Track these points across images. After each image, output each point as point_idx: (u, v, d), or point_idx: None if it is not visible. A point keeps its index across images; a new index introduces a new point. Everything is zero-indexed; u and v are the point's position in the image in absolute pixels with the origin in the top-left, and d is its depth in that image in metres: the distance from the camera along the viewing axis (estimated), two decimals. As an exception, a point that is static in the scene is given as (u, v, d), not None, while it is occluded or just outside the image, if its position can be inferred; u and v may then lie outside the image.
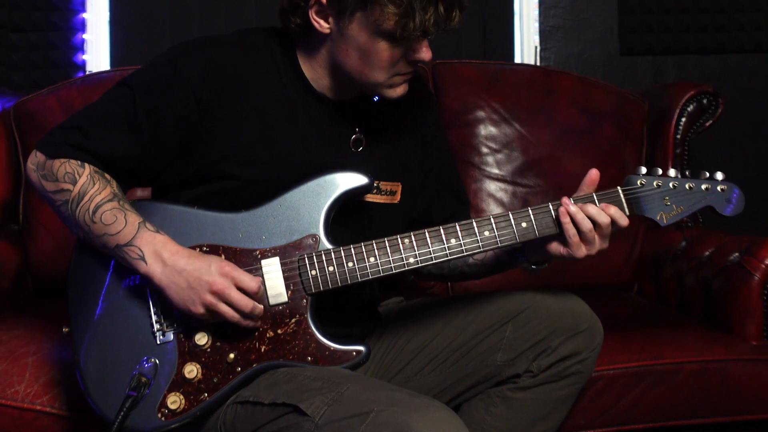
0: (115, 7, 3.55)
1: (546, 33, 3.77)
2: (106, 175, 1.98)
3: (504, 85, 3.26)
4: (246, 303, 1.86)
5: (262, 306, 1.90)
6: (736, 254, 2.66)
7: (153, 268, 1.88)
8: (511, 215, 1.98)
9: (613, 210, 1.94)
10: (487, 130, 3.20)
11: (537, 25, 3.75)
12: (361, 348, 1.95)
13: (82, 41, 3.54)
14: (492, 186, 3.16)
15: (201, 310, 1.86)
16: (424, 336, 2.14)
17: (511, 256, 2.13)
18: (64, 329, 2.00)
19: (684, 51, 3.80)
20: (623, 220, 1.95)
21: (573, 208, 1.92)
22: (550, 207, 1.97)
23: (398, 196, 2.14)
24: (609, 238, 1.97)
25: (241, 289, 1.86)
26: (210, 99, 1.98)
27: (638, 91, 3.42)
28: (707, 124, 3.22)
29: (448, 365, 2.10)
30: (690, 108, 3.19)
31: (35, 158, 2.02)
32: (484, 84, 3.25)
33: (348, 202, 2.02)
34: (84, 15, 3.53)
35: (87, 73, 3.52)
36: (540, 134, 3.20)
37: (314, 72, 2.06)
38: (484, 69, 3.32)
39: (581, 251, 1.95)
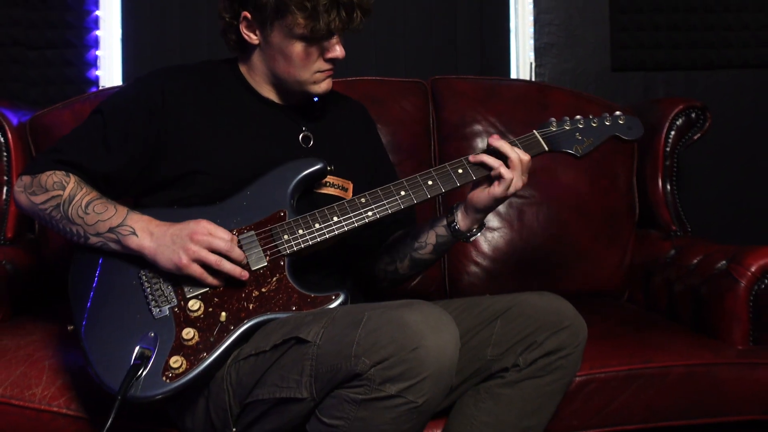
0: (127, 26, 3.58)
1: (540, 50, 3.79)
2: (90, 185, 2.15)
3: (500, 100, 3.28)
4: (225, 245, 2.01)
5: (240, 251, 2.05)
6: (723, 262, 2.67)
7: (143, 239, 2.04)
8: (448, 166, 2.20)
9: (519, 150, 2.16)
10: (483, 143, 3.20)
11: (532, 42, 3.77)
12: (339, 291, 2.07)
13: (96, 58, 3.56)
14: (489, 197, 3.17)
15: (186, 259, 2.00)
16: None
17: (450, 233, 2.27)
18: (69, 327, 2.07)
19: (673, 67, 3.81)
20: (525, 156, 2.16)
21: (497, 143, 2.16)
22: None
23: (350, 193, 2.32)
24: (526, 174, 2.18)
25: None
26: (170, 113, 2.21)
27: (629, 106, 3.41)
28: (696, 137, 3.23)
29: None
30: (679, 122, 3.21)
31: (21, 182, 2.20)
32: (481, 98, 3.27)
33: (308, 185, 2.23)
34: (97, 33, 3.55)
35: (100, 88, 3.53)
36: (535, 147, 3.20)
37: (254, 81, 2.32)
38: (481, 84, 3.34)
39: (509, 174, 2.13)
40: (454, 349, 1.82)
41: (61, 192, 2.11)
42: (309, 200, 2.22)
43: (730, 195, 3.86)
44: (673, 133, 3.21)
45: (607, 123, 2.30)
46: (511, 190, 2.14)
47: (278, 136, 2.29)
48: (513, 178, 2.13)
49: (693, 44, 3.81)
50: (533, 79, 3.76)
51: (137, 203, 2.27)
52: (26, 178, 2.18)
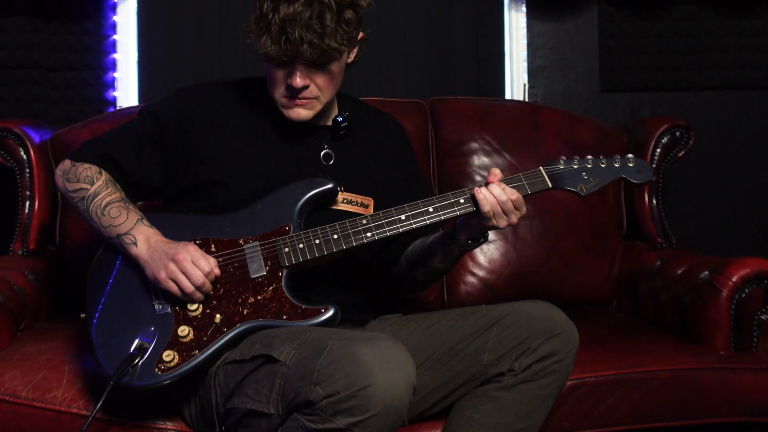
0: (143, 49, 3.60)
1: (533, 72, 3.80)
2: (118, 185, 2.27)
3: (495, 119, 3.29)
4: (198, 276, 2.05)
5: (210, 285, 2.07)
6: (706, 272, 2.69)
7: (141, 249, 2.12)
8: (450, 195, 2.16)
9: (510, 191, 2.11)
10: (480, 159, 3.23)
11: (525, 64, 3.78)
12: (328, 305, 2.07)
13: (113, 79, 3.57)
14: (485, 210, 3.17)
15: (163, 275, 2.06)
16: (418, 340, 2.21)
17: (450, 240, 2.24)
18: (81, 315, 2.18)
19: (659, 88, 3.83)
20: (513, 195, 2.11)
21: (484, 190, 2.11)
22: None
23: (371, 210, 2.29)
24: (515, 213, 2.13)
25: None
26: (204, 127, 2.25)
27: (617, 125, 3.43)
28: (680, 154, 3.25)
29: (440, 365, 2.15)
30: (664, 140, 3.22)
31: (63, 166, 2.33)
32: (477, 118, 3.28)
33: (319, 203, 2.23)
34: (115, 56, 3.57)
35: (117, 108, 3.54)
36: (528, 164, 3.17)
37: None
38: (477, 104, 3.34)
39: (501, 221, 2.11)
40: (404, 388, 1.79)
41: (89, 186, 2.22)
42: (326, 216, 2.22)
43: (713, 209, 3.87)
44: (658, 150, 3.22)
45: (616, 165, 2.20)
46: (500, 225, 2.12)
47: (300, 153, 2.29)
48: (493, 221, 2.11)
49: (677, 67, 3.82)
50: (527, 99, 3.76)
51: (167, 209, 2.36)
52: (67, 163, 2.31)
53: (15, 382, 2.27)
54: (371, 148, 2.40)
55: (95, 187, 2.22)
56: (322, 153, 2.30)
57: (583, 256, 3.17)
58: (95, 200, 2.20)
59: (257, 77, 2.37)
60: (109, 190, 2.22)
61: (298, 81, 2.11)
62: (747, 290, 2.57)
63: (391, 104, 3.27)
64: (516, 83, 3.79)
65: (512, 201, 2.10)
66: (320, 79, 2.14)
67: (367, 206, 2.30)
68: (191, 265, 2.04)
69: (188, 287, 2.05)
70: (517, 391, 2.12)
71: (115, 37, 3.57)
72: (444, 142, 3.26)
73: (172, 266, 2.04)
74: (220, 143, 2.24)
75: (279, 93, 2.17)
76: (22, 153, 3.00)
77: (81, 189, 2.23)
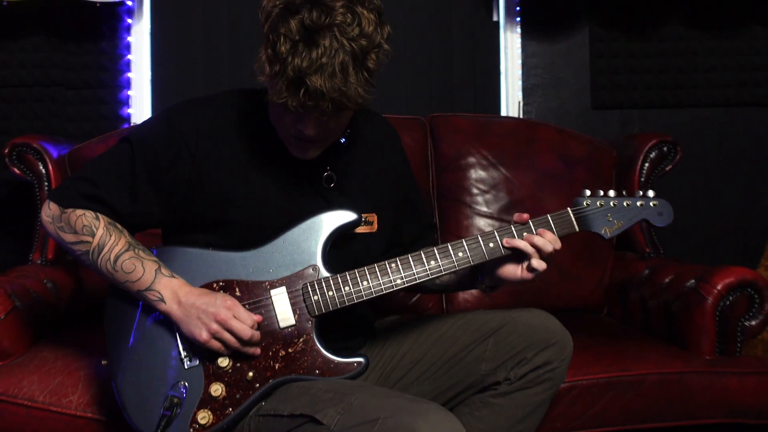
0: (156, 68, 3.62)
1: (528, 90, 3.81)
2: (118, 226, 2.02)
3: (492, 135, 3.30)
4: (245, 331, 1.91)
5: (259, 333, 1.94)
6: (693, 281, 2.69)
7: (171, 306, 1.94)
8: (480, 238, 2.04)
9: (550, 236, 2.03)
10: (477, 173, 3.24)
11: (520, 83, 3.79)
12: (361, 359, 2.00)
13: (127, 97, 3.59)
14: (481, 222, 3.19)
15: (206, 336, 1.91)
16: (419, 350, 2.16)
17: (471, 280, 2.18)
18: (103, 362, 2.05)
19: (647, 105, 3.83)
20: (557, 244, 2.03)
21: (531, 238, 2.02)
22: (513, 230, 2.05)
23: (375, 225, 2.17)
24: (549, 260, 2.04)
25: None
26: (202, 153, 2.01)
27: (608, 141, 3.45)
28: (667, 168, 3.25)
29: (440, 374, 2.12)
30: (652, 155, 3.23)
31: (49, 210, 2.05)
32: (474, 134, 3.29)
33: (340, 235, 2.05)
34: (129, 74, 3.59)
35: (131, 124, 3.56)
36: (523, 177, 3.23)
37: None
38: (474, 121, 3.36)
39: (542, 266, 2.02)
40: None
41: (90, 239, 1.98)
42: (336, 239, 2.06)
43: (699, 220, 3.87)
44: (647, 164, 3.23)
45: (639, 204, 2.10)
46: (541, 273, 2.04)
47: (304, 178, 2.08)
48: (545, 267, 2.02)
49: (665, 85, 3.83)
50: (521, 116, 3.77)
51: (166, 240, 2.14)
52: (54, 208, 2.03)
53: (33, 387, 2.28)
54: (369, 160, 2.20)
55: (98, 239, 1.97)
56: (325, 175, 2.10)
57: (575, 266, 3.17)
58: (102, 254, 1.97)
59: (244, 90, 2.14)
60: (113, 238, 1.98)
61: (311, 131, 1.89)
62: (731, 298, 2.58)
63: (392, 121, 3.24)
64: (511, 101, 3.80)
65: (551, 243, 2.03)
66: (333, 124, 1.92)
67: (371, 223, 2.18)
68: (236, 321, 1.91)
69: (235, 344, 1.92)
70: (513, 398, 2.09)
71: (129, 56, 3.59)
72: (443, 156, 3.27)
73: (215, 326, 1.90)
74: (224, 175, 2.02)
75: (285, 132, 1.95)
76: (41, 167, 3.02)
77: (82, 242, 1.99)
